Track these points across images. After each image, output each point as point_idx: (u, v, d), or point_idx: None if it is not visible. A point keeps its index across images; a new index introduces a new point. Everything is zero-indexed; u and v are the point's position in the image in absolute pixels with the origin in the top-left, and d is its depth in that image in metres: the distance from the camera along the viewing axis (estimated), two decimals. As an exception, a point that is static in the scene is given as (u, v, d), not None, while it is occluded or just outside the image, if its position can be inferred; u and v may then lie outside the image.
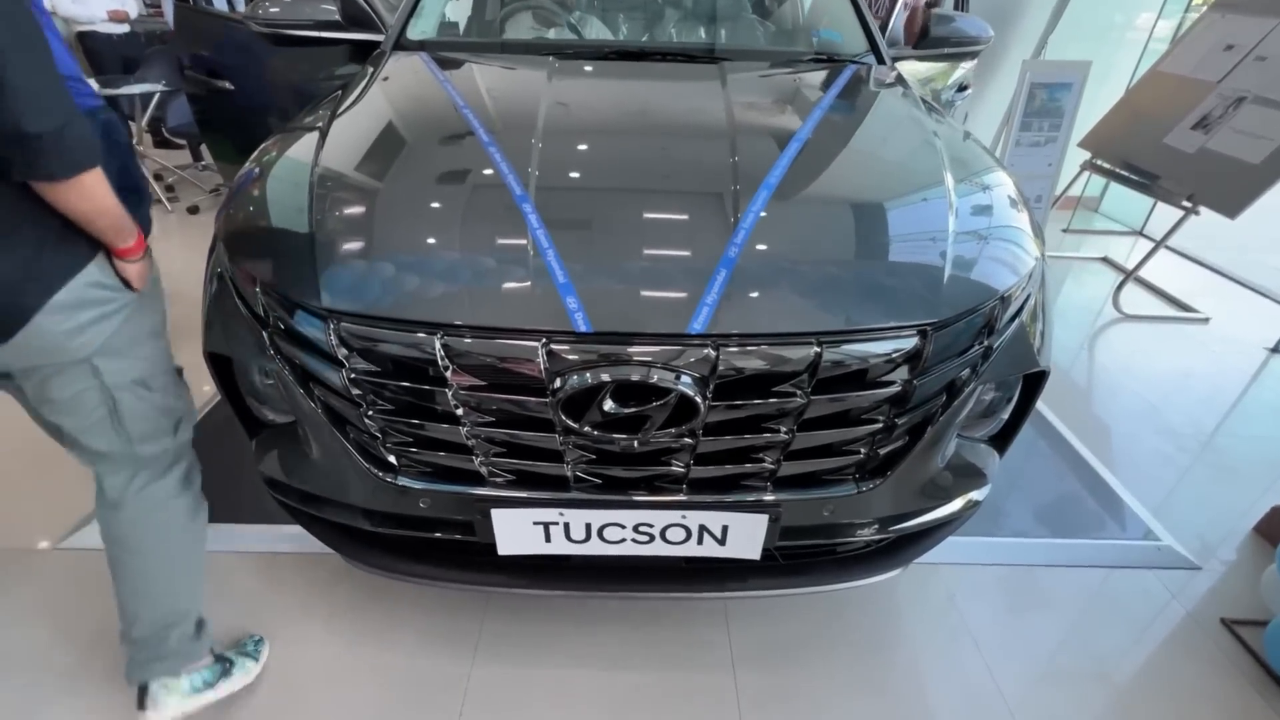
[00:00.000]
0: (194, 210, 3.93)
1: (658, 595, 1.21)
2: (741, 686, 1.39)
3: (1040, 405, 2.34)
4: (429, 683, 1.37)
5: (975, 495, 1.29)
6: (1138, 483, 2.02)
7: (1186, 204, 2.83)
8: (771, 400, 0.97)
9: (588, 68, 1.73)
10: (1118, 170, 3.25)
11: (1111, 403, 2.46)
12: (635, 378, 0.93)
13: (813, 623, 1.52)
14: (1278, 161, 2.56)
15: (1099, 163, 3.37)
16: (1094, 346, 2.88)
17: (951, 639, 1.51)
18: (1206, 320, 3.11)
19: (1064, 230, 4.21)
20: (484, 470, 1.05)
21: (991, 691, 1.40)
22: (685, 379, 0.94)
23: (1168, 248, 3.79)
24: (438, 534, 1.15)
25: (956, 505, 1.27)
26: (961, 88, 2.64)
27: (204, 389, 1.81)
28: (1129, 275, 3.17)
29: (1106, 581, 1.68)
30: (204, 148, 4.66)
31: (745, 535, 1.07)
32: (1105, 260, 3.76)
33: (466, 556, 1.21)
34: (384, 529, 1.16)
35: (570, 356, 0.94)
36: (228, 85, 2.42)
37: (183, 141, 4.54)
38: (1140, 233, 4.21)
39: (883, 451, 1.08)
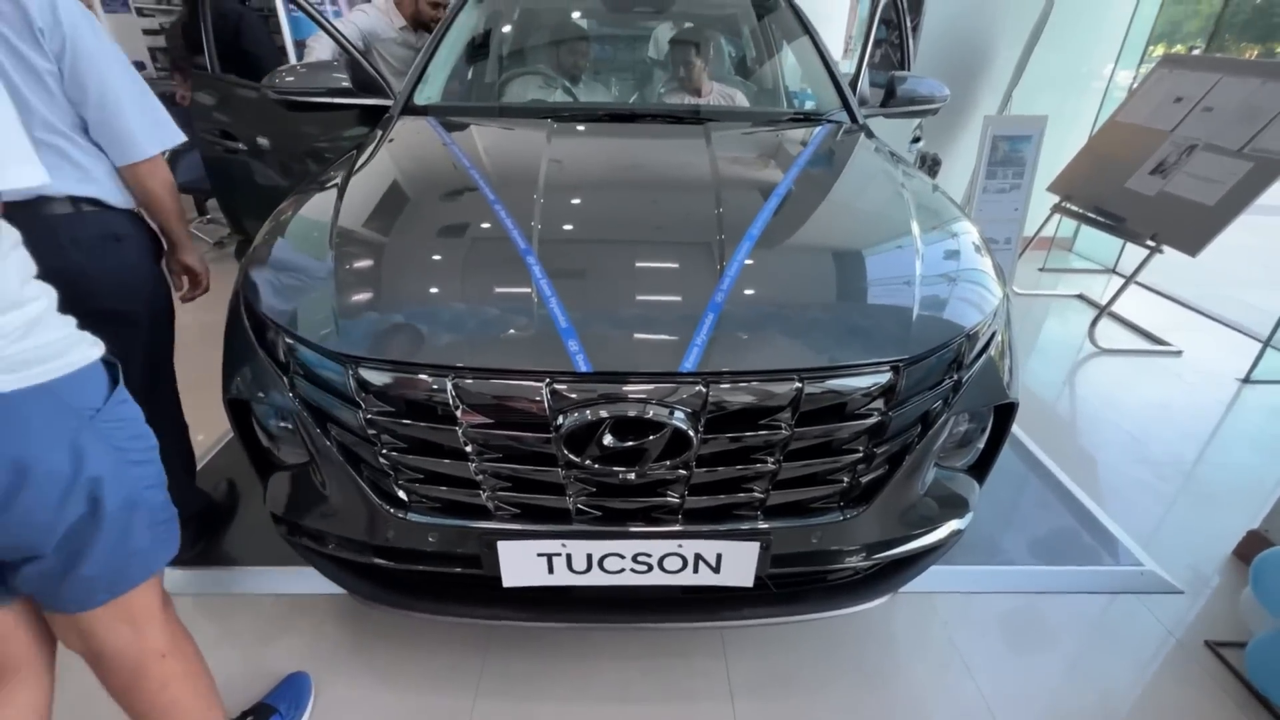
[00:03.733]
0: (199, 262, 4.06)
1: (656, 625, 1.25)
2: (740, 716, 1.41)
3: (1023, 437, 2.43)
4: (433, 717, 1.39)
5: (957, 523, 1.36)
6: (1120, 511, 2.09)
7: (1150, 243, 2.99)
8: (758, 432, 1.05)
9: (583, 129, 1.87)
10: (1085, 213, 3.43)
11: (1092, 433, 2.54)
12: (632, 413, 1.00)
13: (809, 653, 1.56)
14: (1231, 202, 2.73)
15: (1068, 205, 3.55)
16: (1073, 380, 2.98)
17: (945, 666, 1.55)
18: (1179, 353, 3.23)
19: (1040, 269, 4.38)
20: (490, 505, 1.12)
21: (984, 713, 1.44)
22: (678, 414, 1.02)
23: (1141, 284, 3.97)
24: (445, 568, 1.19)
25: (940, 533, 1.33)
26: (915, 139, 2.84)
27: (198, 438, 1.86)
28: (1103, 311, 3.30)
29: (1093, 607, 1.73)
30: (209, 203, 4.82)
31: (738, 563, 1.13)
32: (1081, 297, 3.91)
33: (472, 590, 1.26)
34: (393, 564, 1.21)
35: (572, 395, 1.02)
36: (241, 146, 2.56)
37: (189, 196, 4.70)
38: (1113, 270, 4.38)
39: (864, 480, 1.15)
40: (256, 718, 1.30)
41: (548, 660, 1.52)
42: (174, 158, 4.01)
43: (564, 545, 1.11)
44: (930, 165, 3.47)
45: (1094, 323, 3.30)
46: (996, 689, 1.49)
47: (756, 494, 1.11)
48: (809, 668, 1.53)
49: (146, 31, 5.53)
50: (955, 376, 1.17)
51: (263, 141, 2.54)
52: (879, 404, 1.09)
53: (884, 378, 1.08)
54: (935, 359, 1.13)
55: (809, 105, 2.24)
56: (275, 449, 1.29)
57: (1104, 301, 3.38)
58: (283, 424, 1.26)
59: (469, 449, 1.06)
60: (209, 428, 2.23)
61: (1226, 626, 1.67)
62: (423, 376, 1.03)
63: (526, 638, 1.57)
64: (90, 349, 0.85)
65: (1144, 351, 3.26)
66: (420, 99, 2.03)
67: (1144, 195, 3.13)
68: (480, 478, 1.09)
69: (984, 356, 1.23)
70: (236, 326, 1.25)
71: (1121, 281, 3.21)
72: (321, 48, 2.76)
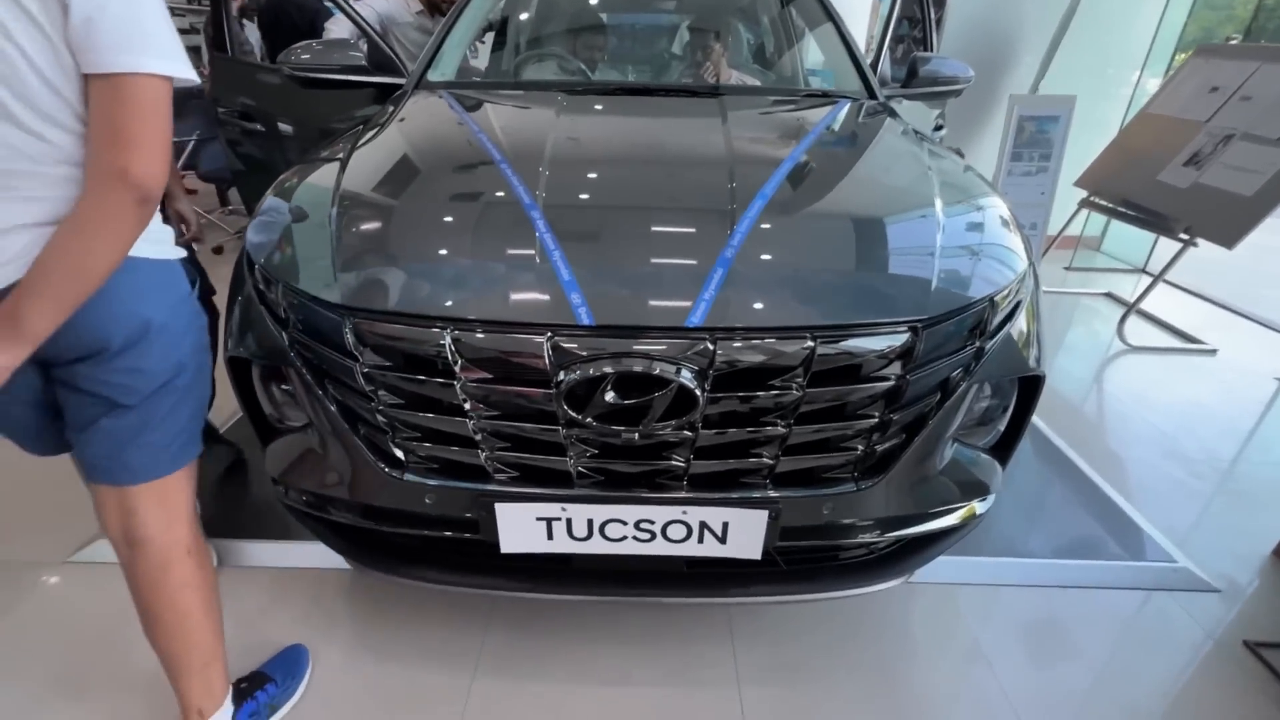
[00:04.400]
0: (219, 250, 4.10)
1: (658, 599, 1.20)
2: (747, 703, 1.35)
3: (1048, 432, 2.34)
4: (429, 694, 1.36)
5: (979, 505, 1.29)
6: (1152, 508, 1.99)
7: (1184, 236, 2.88)
8: (768, 393, 1.00)
9: (598, 103, 1.84)
10: (1115, 207, 3.32)
11: (1122, 431, 2.44)
12: (636, 369, 0.96)
13: (822, 642, 1.50)
14: (1270, 193, 2.62)
15: (1096, 200, 3.45)
16: (1102, 378, 2.88)
17: (966, 661, 1.48)
18: (1214, 352, 3.10)
19: (1066, 268, 4.26)
20: (489, 466, 1.08)
21: (1007, 713, 1.36)
22: (684, 371, 0.97)
23: (1173, 284, 3.85)
24: (442, 532, 1.16)
25: (959, 515, 1.27)
26: (937, 127, 2.77)
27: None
28: (1132, 306, 3.19)
29: (1123, 603, 1.64)
30: (230, 193, 4.89)
31: (746, 533, 1.08)
32: (1109, 295, 3.79)
33: (469, 558, 1.22)
34: (390, 527, 1.18)
35: (574, 349, 0.98)
36: (259, 127, 2.58)
37: (210, 185, 4.79)
38: (1143, 270, 4.25)
39: (880, 449, 1.09)
40: (251, 685, 1.28)
41: (548, 641, 1.48)
42: (197, 147, 4.09)
43: (564, 509, 1.06)
44: (953, 158, 3.39)
45: (1123, 319, 3.19)
46: (1021, 686, 1.41)
47: (765, 460, 1.06)
48: (821, 657, 1.46)
49: (181, 31, 5.67)
50: (977, 344, 1.11)
51: (285, 126, 2.56)
52: (895, 367, 1.04)
53: (901, 339, 1.02)
54: (955, 323, 1.08)
55: (829, 83, 2.19)
56: (274, 410, 1.27)
57: (1133, 300, 3.27)
58: (283, 386, 1.24)
59: (467, 405, 1.02)
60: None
61: (1265, 626, 1.57)
62: (420, 329, 1.00)
63: (527, 617, 1.53)
64: (178, 248, 1.01)
65: (1176, 350, 3.14)
66: (434, 76, 2.02)
67: (1177, 188, 3.02)
68: (479, 437, 1.05)
69: (1008, 326, 1.17)
70: (239, 285, 1.24)
71: (1151, 280, 3.10)
72: (339, 30, 2.78)
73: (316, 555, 1.68)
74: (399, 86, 2.02)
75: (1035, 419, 2.43)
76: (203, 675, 1.15)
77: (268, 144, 2.68)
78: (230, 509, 1.87)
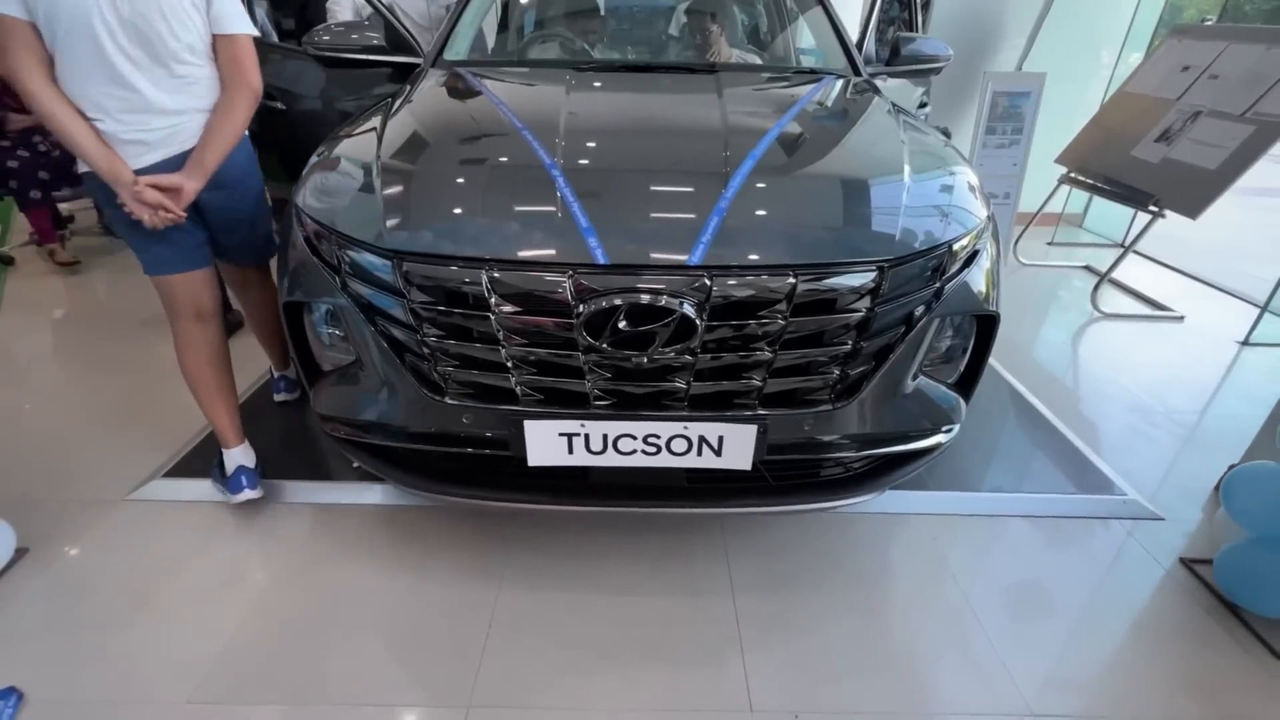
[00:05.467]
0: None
1: (663, 509, 1.38)
2: (741, 608, 1.55)
3: (1023, 389, 2.53)
4: (461, 604, 1.54)
5: (944, 431, 1.48)
6: (1111, 452, 2.19)
7: (1153, 208, 3.06)
8: (757, 322, 1.18)
9: (607, 79, 2.00)
10: (1093, 183, 3.49)
11: (1091, 388, 2.63)
12: (645, 300, 1.14)
13: (806, 559, 1.69)
14: (1232, 166, 2.79)
15: (1075, 176, 3.62)
16: (1076, 341, 3.07)
17: (933, 574, 1.67)
18: (1181, 319, 3.29)
19: (1049, 243, 4.44)
20: (518, 390, 1.26)
21: (969, 617, 1.55)
22: (685, 303, 1.15)
23: (1148, 257, 4.04)
24: (478, 449, 1.34)
25: (928, 440, 1.45)
26: (921, 105, 2.93)
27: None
28: (1104, 276, 3.38)
29: (1076, 530, 1.84)
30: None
31: (738, 445, 1.26)
32: (1087, 268, 3.97)
33: (499, 476, 1.40)
34: (431, 446, 1.36)
35: (591, 285, 1.15)
36: (280, 106, 2.72)
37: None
38: (1122, 245, 4.43)
39: (852, 373, 1.28)
40: None
41: (565, 560, 1.67)
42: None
43: (583, 425, 1.24)
44: (939, 137, 3.56)
45: (1096, 287, 3.37)
46: (982, 596, 1.61)
47: (755, 382, 1.24)
48: (806, 570, 1.66)
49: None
50: (937, 284, 1.29)
51: (299, 102, 2.71)
52: (865, 301, 1.22)
53: (870, 276, 1.20)
54: (918, 265, 1.25)
55: (817, 63, 2.35)
56: (323, 354, 1.45)
57: (1105, 271, 3.45)
58: (331, 329, 1.41)
59: (500, 335, 1.20)
60: (248, 374, 2.41)
61: (1202, 547, 1.77)
62: (461, 269, 1.18)
63: (546, 540, 1.72)
64: None
65: (1146, 317, 3.33)
66: (450, 55, 2.17)
67: (1149, 163, 3.19)
68: (510, 363, 1.23)
69: (967, 270, 1.35)
70: (291, 237, 1.40)
71: (1132, 256, 3.28)
72: (341, 9, 2.90)
73: (354, 493, 1.88)
74: (415, 65, 2.17)
75: (1008, 375, 2.63)
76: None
77: (282, 121, 2.82)
78: (271, 453, 2.05)
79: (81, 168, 1.51)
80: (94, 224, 4.34)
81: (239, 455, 1.80)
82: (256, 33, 1.59)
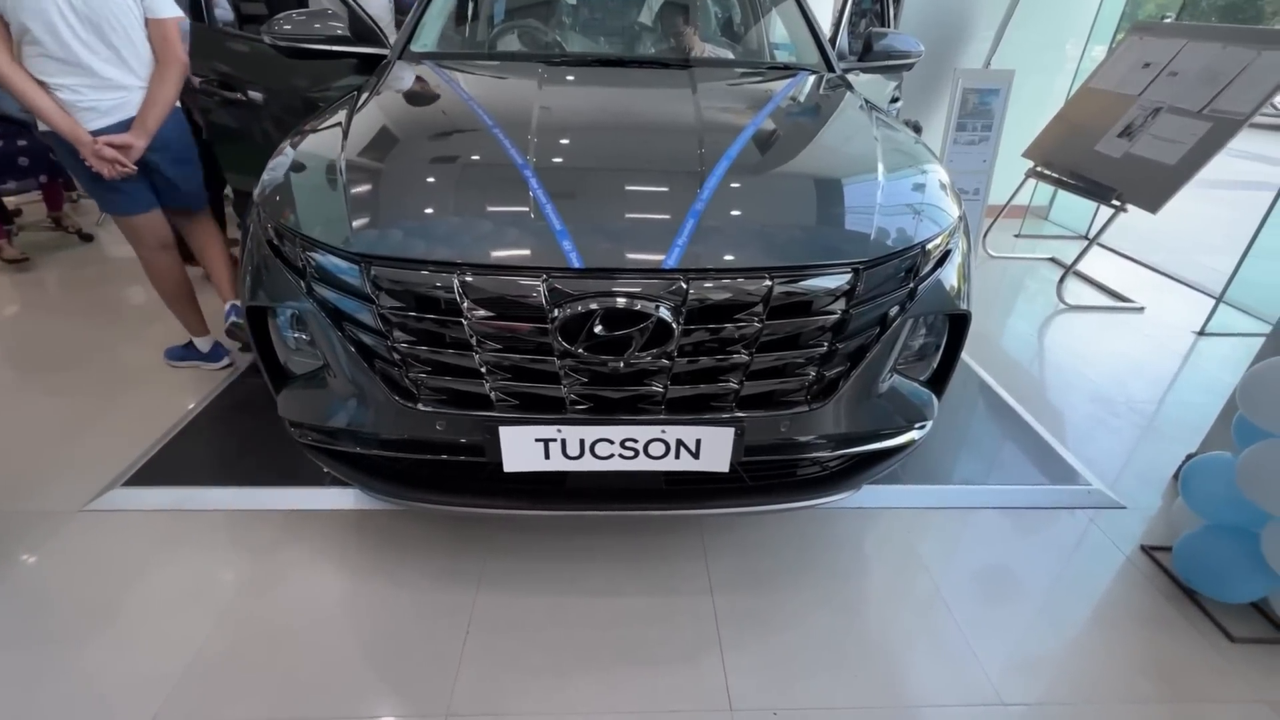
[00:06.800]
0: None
1: (642, 511, 1.38)
2: (719, 606, 1.56)
3: (990, 380, 2.59)
4: (438, 608, 1.52)
5: (917, 428, 1.49)
6: (1075, 441, 2.25)
7: (1116, 203, 3.13)
8: (733, 325, 1.17)
9: (579, 74, 1.96)
10: (1059, 176, 3.57)
11: (1056, 379, 2.70)
12: (620, 304, 1.12)
13: (783, 557, 1.70)
14: (1191, 161, 2.87)
15: (1042, 170, 3.69)
16: (1041, 333, 3.14)
17: (907, 569, 1.70)
18: (1142, 309, 3.40)
19: (1016, 236, 4.53)
20: (492, 395, 1.23)
21: (941, 608, 1.59)
22: (661, 306, 1.14)
23: (1112, 250, 4.14)
24: (452, 456, 1.31)
25: (900, 436, 1.47)
26: (894, 99, 2.96)
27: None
28: (1068, 269, 3.46)
29: (1043, 519, 1.89)
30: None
31: (715, 448, 1.26)
32: (1053, 260, 4.07)
33: (474, 483, 1.38)
34: (402, 454, 1.33)
35: (566, 289, 1.13)
36: (239, 96, 2.62)
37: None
38: (1086, 237, 4.54)
39: (828, 375, 1.28)
40: None
41: (543, 562, 1.66)
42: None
43: (559, 431, 1.23)
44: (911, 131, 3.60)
45: (1061, 280, 3.46)
46: (953, 585, 1.64)
47: (731, 384, 1.23)
48: (782, 568, 1.67)
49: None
50: (910, 285, 1.30)
51: (255, 94, 2.60)
52: (840, 303, 1.22)
53: (845, 278, 1.21)
54: (892, 266, 1.26)
55: (790, 58, 2.34)
56: (289, 358, 1.40)
57: (1070, 264, 3.54)
58: (297, 334, 1.37)
59: (474, 341, 1.18)
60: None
61: (1161, 534, 1.84)
62: (432, 273, 1.14)
63: (523, 541, 1.70)
64: None
65: (1108, 308, 3.42)
66: (417, 47, 2.11)
67: (1111, 158, 3.27)
68: (484, 369, 1.20)
69: (939, 270, 1.36)
70: (255, 241, 1.35)
71: (1096, 249, 3.36)
72: None
73: (323, 498, 1.83)
74: (382, 57, 2.10)
75: (977, 368, 2.68)
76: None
77: (244, 113, 2.72)
78: (241, 459, 1.99)
79: (42, 127, 1.96)
80: (43, 217, 4.14)
81: (210, 340, 2.39)
82: (181, 14, 2.06)
